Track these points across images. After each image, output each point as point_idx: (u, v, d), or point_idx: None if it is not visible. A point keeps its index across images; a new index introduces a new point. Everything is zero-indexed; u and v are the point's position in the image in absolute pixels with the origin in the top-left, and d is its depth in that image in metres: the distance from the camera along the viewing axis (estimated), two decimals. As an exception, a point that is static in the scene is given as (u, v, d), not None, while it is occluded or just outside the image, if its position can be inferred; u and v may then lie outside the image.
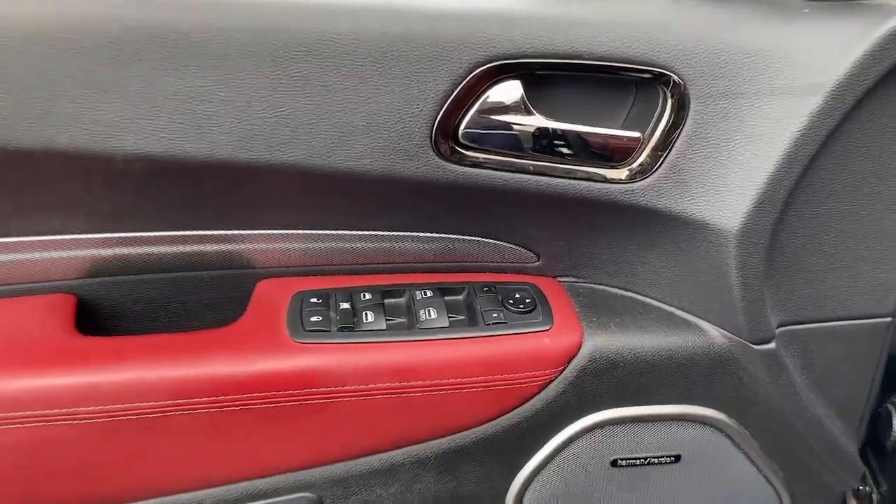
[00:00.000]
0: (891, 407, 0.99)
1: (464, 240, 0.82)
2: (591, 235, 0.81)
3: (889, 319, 0.85)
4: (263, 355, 0.72)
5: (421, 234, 0.81)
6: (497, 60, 0.65)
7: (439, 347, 0.75)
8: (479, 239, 0.83)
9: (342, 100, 0.66)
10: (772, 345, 0.82)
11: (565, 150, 0.71)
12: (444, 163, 0.69)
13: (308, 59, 0.64)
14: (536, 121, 0.69)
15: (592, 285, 0.87)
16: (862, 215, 0.77)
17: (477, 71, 0.66)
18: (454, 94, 0.66)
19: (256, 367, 0.71)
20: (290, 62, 0.64)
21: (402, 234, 0.80)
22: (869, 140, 0.72)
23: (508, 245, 0.84)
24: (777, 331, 0.83)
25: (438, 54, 0.65)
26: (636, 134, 0.71)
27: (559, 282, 0.87)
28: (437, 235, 0.81)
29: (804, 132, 0.68)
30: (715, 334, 0.82)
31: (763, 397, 0.85)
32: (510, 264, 0.85)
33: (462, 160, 0.70)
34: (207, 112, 0.65)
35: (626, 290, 0.86)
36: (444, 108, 0.67)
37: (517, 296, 0.81)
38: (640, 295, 0.86)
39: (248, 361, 0.71)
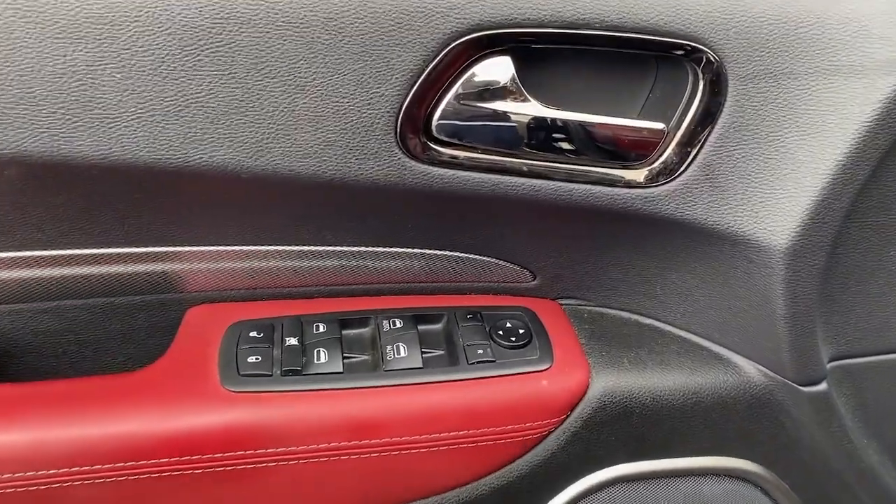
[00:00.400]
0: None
1: (441, 256, 0.74)
2: (599, 250, 0.74)
3: None
4: (186, 407, 0.64)
5: (387, 250, 0.73)
6: (480, 30, 0.57)
7: (411, 394, 0.67)
8: (461, 255, 0.75)
9: (277, 83, 0.57)
10: (822, 385, 0.75)
11: (568, 147, 0.63)
12: (412, 162, 0.61)
13: (229, 30, 0.55)
14: (532, 108, 0.61)
15: (601, 309, 0.80)
16: None
17: (454, 44, 0.57)
18: (424, 74, 0.57)
19: (177, 424, 0.63)
20: (204, 34, 0.55)
21: (363, 249, 0.72)
22: None
23: (497, 262, 0.76)
24: (828, 366, 0.75)
25: (403, 22, 0.56)
26: (658, 125, 0.63)
27: (560, 305, 0.80)
28: (408, 251, 0.73)
29: (876, 122, 0.60)
30: (751, 372, 0.75)
31: (807, 445, 0.78)
32: (499, 284, 0.78)
33: (436, 159, 0.62)
34: (98, 101, 0.55)
35: (643, 315, 0.79)
36: (411, 93, 0.58)
37: (508, 325, 0.73)
38: (660, 322, 0.79)
39: (167, 415, 0.63)
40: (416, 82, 0.58)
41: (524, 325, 0.73)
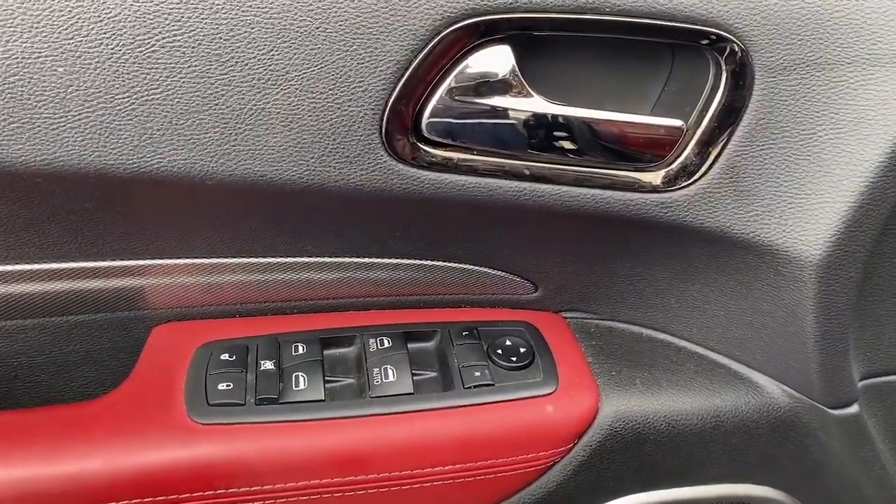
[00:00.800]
0: None
1: (433, 266, 0.70)
2: (609, 259, 0.71)
3: None
4: (148, 442, 0.59)
5: (374, 261, 0.69)
6: (476, 16, 0.53)
7: (400, 424, 0.63)
8: (455, 265, 0.70)
9: (244, 77, 0.52)
10: (853, 408, 0.72)
11: (575, 147, 0.59)
12: (399, 165, 0.57)
13: (188, 17, 0.50)
14: (534, 104, 0.57)
15: (610, 323, 0.77)
16: None
17: (446, 31, 0.53)
18: (413, 65, 0.54)
19: (138, 460, 0.58)
20: (159, 22, 0.50)
21: (347, 260, 0.68)
22: None
23: (495, 272, 0.72)
24: (859, 385, 0.72)
25: (389, 6, 0.52)
26: (676, 122, 0.60)
27: (564, 319, 0.76)
28: (396, 261, 0.69)
29: None
30: (775, 392, 0.71)
31: (835, 471, 0.75)
32: (498, 296, 0.74)
33: (426, 162, 0.58)
34: (39, 99, 0.50)
35: (657, 329, 0.76)
36: (398, 88, 0.54)
37: (508, 343, 0.69)
38: (676, 337, 0.76)
39: (126, 451, 0.59)
40: (403, 75, 0.54)
41: (525, 342, 0.69)
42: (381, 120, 0.55)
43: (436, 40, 0.53)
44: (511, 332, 0.70)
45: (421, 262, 0.70)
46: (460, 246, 0.69)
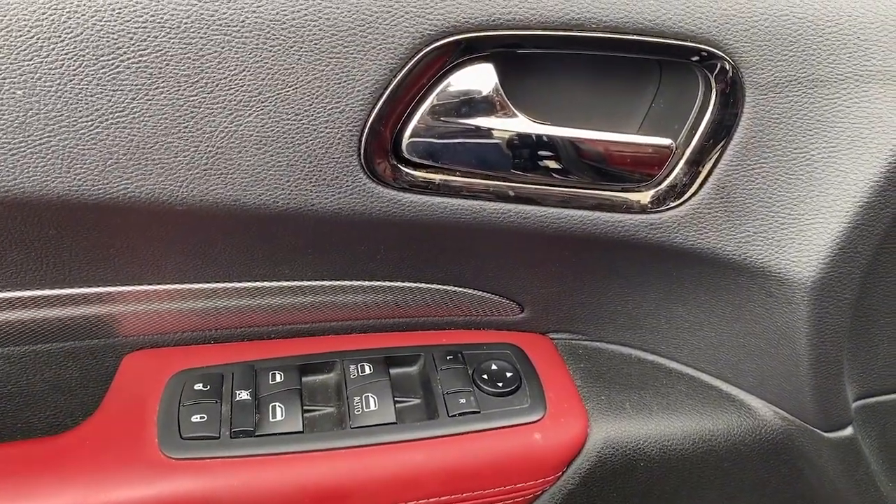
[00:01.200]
0: None
1: (416, 288, 0.68)
2: (597, 280, 0.69)
3: None
4: (118, 478, 0.57)
5: (354, 284, 0.66)
6: (457, 33, 0.51)
7: (382, 456, 0.60)
8: (439, 287, 0.68)
9: (215, 98, 0.50)
10: (848, 430, 0.70)
11: (561, 167, 0.58)
12: (379, 188, 0.55)
13: (154, 36, 0.48)
14: (518, 124, 0.56)
15: (598, 344, 0.75)
16: None
17: (427, 49, 0.51)
18: (392, 84, 0.52)
19: (107, 498, 0.56)
20: (124, 41, 0.47)
21: (326, 283, 0.66)
22: None
23: (480, 293, 0.70)
24: (853, 406, 0.71)
25: (367, 24, 0.50)
26: (665, 141, 0.58)
27: (551, 340, 0.74)
28: (378, 284, 0.67)
29: None
30: (768, 415, 0.70)
31: (829, 494, 0.74)
32: (483, 318, 0.72)
33: (407, 184, 0.56)
34: None
35: (646, 350, 0.74)
36: (377, 108, 0.52)
37: (494, 367, 0.67)
38: (665, 359, 0.74)
39: (95, 489, 0.56)
40: (382, 94, 0.52)
41: (512, 366, 0.67)
42: (360, 141, 0.53)
43: (416, 59, 0.51)
44: (497, 355, 0.68)
45: (403, 284, 0.68)
46: (444, 268, 0.67)
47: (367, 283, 0.67)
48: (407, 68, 0.51)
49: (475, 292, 0.69)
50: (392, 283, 0.67)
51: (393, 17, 0.49)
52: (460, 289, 0.69)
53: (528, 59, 0.56)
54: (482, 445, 0.62)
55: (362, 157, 0.54)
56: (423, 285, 0.68)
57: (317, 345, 0.68)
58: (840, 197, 0.57)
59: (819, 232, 0.58)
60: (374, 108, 0.52)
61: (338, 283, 0.66)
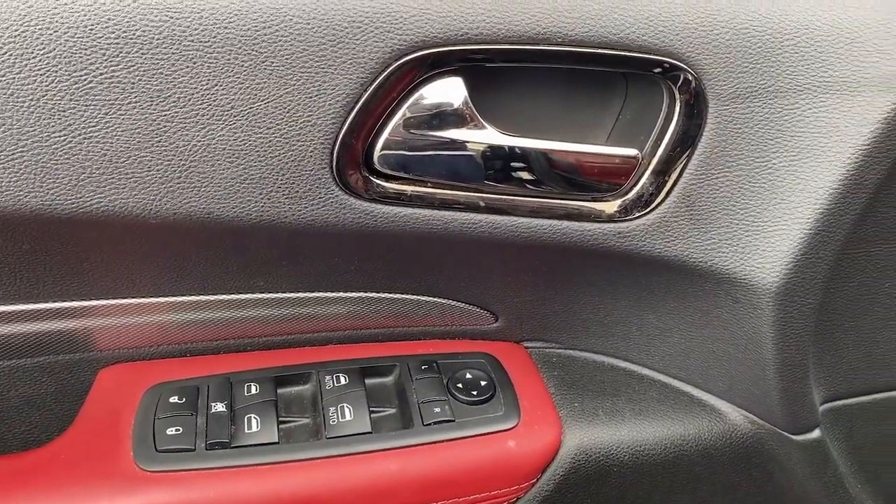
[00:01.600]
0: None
1: (390, 299, 0.68)
2: (568, 289, 0.68)
3: None
4: (93, 492, 0.56)
5: (328, 295, 0.66)
6: (426, 48, 0.51)
7: (358, 465, 0.60)
8: (414, 297, 0.68)
9: (188, 112, 0.49)
10: (815, 433, 0.70)
11: (530, 178, 0.58)
12: (352, 200, 0.55)
13: (127, 51, 0.47)
14: (487, 136, 0.56)
15: (571, 352, 0.74)
16: None
17: (397, 63, 0.51)
18: (363, 98, 0.51)
19: None
20: (96, 56, 0.47)
21: (300, 295, 0.66)
22: None
23: (455, 303, 0.69)
24: (820, 409, 0.71)
25: (337, 38, 0.50)
26: (631, 151, 0.58)
27: (525, 348, 0.74)
28: (352, 295, 0.66)
29: (874, 144, 0.56)
30: (738, 419, 0.70)
31: (798, 496, 0.74)
32: (458, 327, 0.71)
33: (379, 195, 0.56)
34: None
35: (618, 357, 0.74)
36: (348, 121, 0.52)
37: (468, 376, 0.67)
38: (637, 365, 0.74)
39: (71, 502, 0.55)
40: (353, 108, 0.52)
41: (486, 375, 0.67)
42: (332, 154, 0.53)
43: (386, 73, 0.51)
44: (471, 364, 0.68)
45: (378, 295, 0.67)
46: (418, 278, 0.66)
47: (341, 295, 0.66)
48: (377, 82, 0.51)
49: (449, 302, 0.69)
50: (367, 294, 0.67)
51: (363, 32, 0.49)
52: (434, 299, 0.68)
53: (496, 73, 0.56)
54: (457, 453, 0.61)
55: (334, 169, 0.53)
56: (397, 296, 0.67)
57: (292, 356, 0.67)
58: (801, 204, 0.57)
59: (782, 238, 0.58)
60: (345, 121, 0.52)
61: (312, 294, 0.66)
